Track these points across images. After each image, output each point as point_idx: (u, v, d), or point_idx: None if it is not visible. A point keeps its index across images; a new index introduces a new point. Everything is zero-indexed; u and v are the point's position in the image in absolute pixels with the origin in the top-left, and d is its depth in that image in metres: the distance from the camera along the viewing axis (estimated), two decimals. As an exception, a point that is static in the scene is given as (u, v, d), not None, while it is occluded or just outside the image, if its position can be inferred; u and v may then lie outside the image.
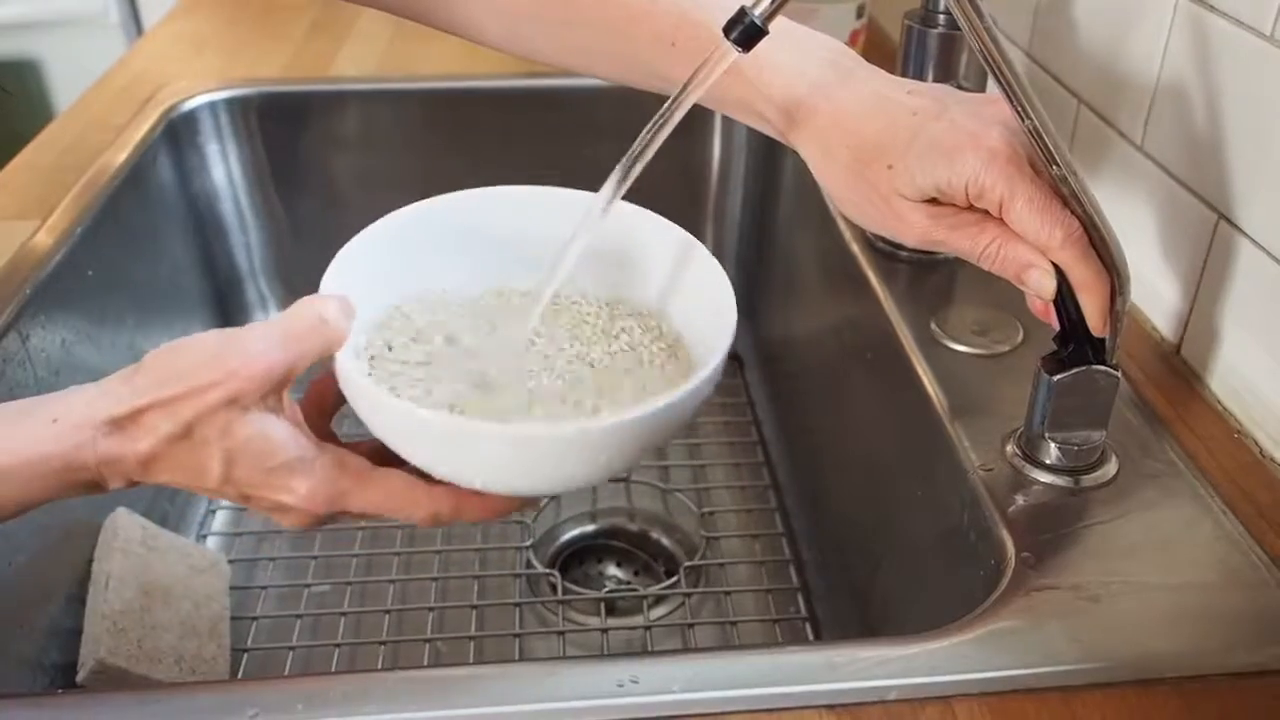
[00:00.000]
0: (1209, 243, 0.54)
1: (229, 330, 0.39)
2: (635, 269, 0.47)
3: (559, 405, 0.42)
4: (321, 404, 0.44)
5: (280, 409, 0.39)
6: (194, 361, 0.38)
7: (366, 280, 0.43)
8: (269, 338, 0.38)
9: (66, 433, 0.37)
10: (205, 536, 0.76)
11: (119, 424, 0.37)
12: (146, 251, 0.80)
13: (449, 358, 0.43)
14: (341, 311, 0.40)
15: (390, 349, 0.44)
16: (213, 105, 0.88)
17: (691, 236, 0.46)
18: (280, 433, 0.39)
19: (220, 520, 0.78)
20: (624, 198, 0.43)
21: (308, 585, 0.72)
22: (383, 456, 0.41)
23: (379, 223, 0.45)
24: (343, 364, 0.40)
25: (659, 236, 0.47)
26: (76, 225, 0.69)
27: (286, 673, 0.66)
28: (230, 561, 0.71)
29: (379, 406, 0.39)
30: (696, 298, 0.45)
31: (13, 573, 0.57)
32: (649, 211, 0.46)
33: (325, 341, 0.40)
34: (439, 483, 0.41)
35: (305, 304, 0.40)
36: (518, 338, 0.45)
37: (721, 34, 0.41)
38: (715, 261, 0.45)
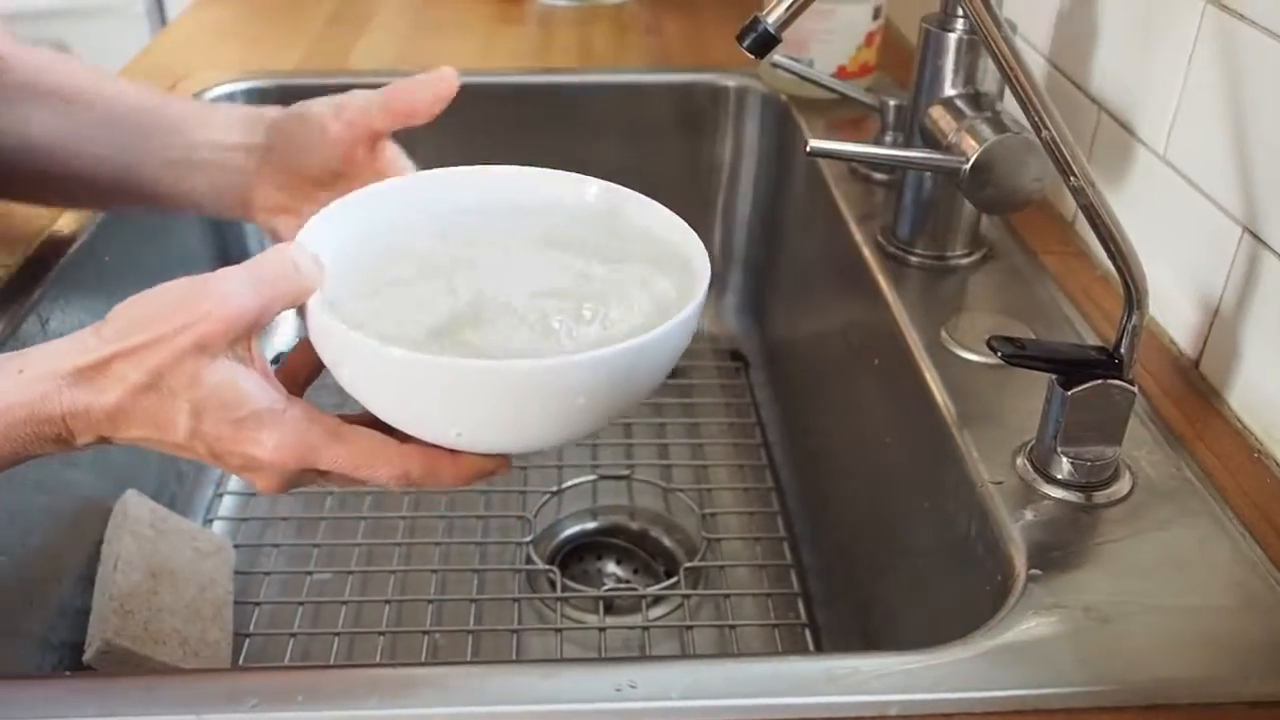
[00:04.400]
0: (1232, 256, 0.53)
1: (198, 276, 0.38)
2: (619, 233, 0.46)
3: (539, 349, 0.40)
4: (296, 375, 0.43)
5: (249, 359, 0.39)
6: (162, 307, 0.37)
7: (341, 240, 0.42)
8: (239, 280, 0.38)
9: (32, 382, 0.37)
10: (212, 521, 0.76)
11: (85, 374, 0.37)
12: (161, 239, 0.80)
13: (429, 310, 0.41)
14: (314, 262, 0.40)
15: (365, 301, 0.41)
16: (232, 95, 0.89)
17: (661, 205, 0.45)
18: (248, 382, 0.38)
19: (227, 505, 0.78)
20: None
21: (310, 573, 0.72)
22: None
23: (357, 192, 0.44)
24: (312, 308, 0.39)
25: (640, 207, 0.46)
26: (96, 212, 0.69)
27: (287, 659, 0.66)
28: (235, 546, 0.71)
29: (347, 347, 0.38)
30: (677, 253, 0.44)
31: (25, 552, 0.58)
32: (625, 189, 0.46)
33: (296, 289, 0.39)
34: (413, 443, 0.40)
35: (277, 250, 0.39)
36: (501, 295, 0.42)
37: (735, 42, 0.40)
38: (683, 222, 0.44)
